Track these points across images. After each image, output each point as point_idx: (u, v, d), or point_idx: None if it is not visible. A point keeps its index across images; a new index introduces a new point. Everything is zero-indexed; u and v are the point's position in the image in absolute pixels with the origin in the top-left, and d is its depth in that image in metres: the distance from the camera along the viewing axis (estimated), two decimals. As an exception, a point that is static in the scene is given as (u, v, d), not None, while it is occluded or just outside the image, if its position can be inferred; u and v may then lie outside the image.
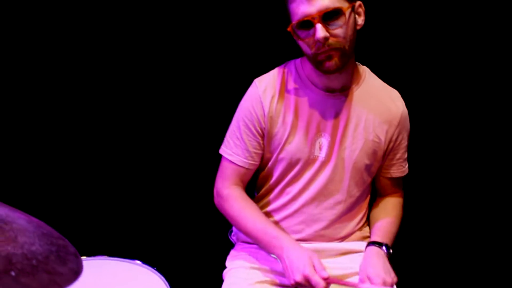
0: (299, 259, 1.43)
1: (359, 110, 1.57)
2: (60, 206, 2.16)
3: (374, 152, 1.60)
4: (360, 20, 1.48)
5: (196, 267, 2.15)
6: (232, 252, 1.74)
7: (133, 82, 2.16)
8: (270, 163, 1.62)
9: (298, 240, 1.61)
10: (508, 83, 2.07)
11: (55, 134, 2.16)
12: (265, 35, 2.02)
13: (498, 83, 2.08)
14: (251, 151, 1.60)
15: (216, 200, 1.67)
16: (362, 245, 1.66)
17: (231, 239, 1.80)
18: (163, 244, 2.20)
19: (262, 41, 2.05)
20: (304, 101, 1.56)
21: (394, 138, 1.62)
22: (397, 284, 1.52)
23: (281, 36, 1.59)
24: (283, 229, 1.62)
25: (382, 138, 1.59)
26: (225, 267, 1.71)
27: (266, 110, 1.56)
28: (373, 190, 1.74)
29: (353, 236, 1.69)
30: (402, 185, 1.75)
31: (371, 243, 1.61)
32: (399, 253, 1.64)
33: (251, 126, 1.58)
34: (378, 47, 1.96)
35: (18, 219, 0.87)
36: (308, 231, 1.63)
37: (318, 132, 1.56)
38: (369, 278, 1.48)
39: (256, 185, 1.73)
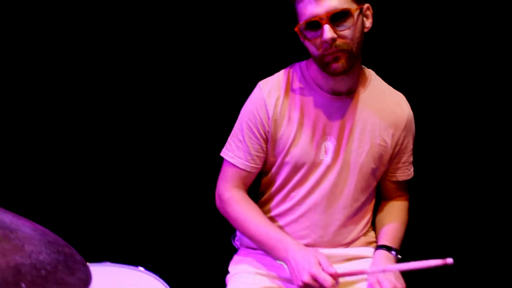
0: (305, 258, 1.41)
1: (365, 113, 1.55)
2: (62, 212, 2.13)
3: (381, 156, 1.58)
4: (368, 23, 1.47)
5: (198, 272, 2.12)
6: (236, 257, 1.72)
7: (136, 85, 2.13)
8: (274, 168, 1.60)
9: (303, 245, 1.59)
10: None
11: (58, 141, 2.14)
12: (270, 37, 2.00)
13: (502, 86, 2.07)
14: (253, 154, 1.57)
15: (218, 203, 1.65)
16: (367, 250, 1.64)
17: (234, 244, 1.77)
18: (165, 250, 2.18)
19: (267, 43, 2.02)
20: (309, 104, 1.54)
21: (400, 141, 1.60)
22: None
23: (286, 38, 1.58)
24: (287, 233, 1.59)
25: (389, 142, 1.57)
26: (228, 272, 1.68)
27: (271, 113, 1.54)
28: (377, 194, 1.72)
29: (358, 242, 1.66)
30: (407, 189, 1.74)
31: (380, 247, 1.59)
32: (403, 257, 1.62)
33: (254, 129, 1.56)
34: (383, 50, 1.94)
35: (23, 226, 0.83)
36: (313, 237, 1.60)
37: (324, 136, 1.54)
38: (379, 283, 1.46)
39: (258, 191, 1.70)
